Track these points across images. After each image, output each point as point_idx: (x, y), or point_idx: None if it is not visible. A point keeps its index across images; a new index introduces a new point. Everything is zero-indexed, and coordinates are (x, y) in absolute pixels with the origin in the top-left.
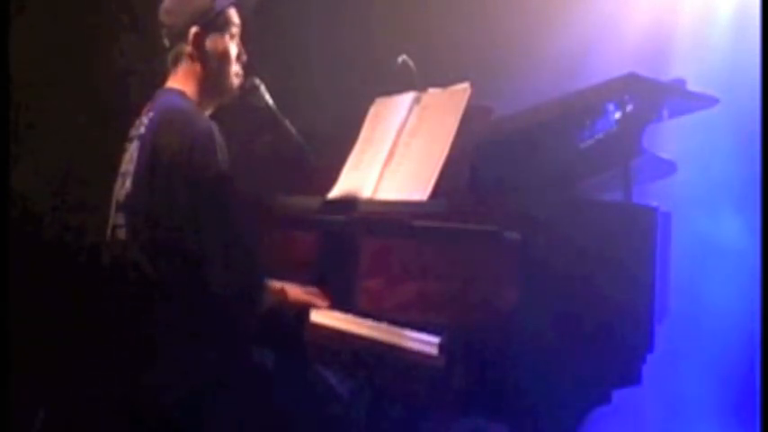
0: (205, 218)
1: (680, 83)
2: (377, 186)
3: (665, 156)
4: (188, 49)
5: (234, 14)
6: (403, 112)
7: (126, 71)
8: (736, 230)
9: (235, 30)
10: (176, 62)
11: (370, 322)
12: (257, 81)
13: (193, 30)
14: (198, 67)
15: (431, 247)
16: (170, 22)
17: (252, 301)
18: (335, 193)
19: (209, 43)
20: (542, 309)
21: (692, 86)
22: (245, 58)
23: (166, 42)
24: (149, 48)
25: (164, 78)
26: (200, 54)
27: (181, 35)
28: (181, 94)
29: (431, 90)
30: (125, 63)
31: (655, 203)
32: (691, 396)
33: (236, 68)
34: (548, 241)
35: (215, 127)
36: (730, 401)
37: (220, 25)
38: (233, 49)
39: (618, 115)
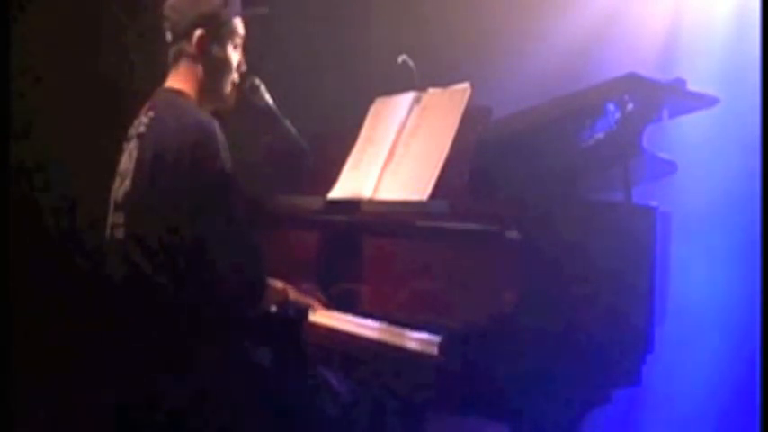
0: (208, 215)
1: (680, 83)
2: (377, 186)
3: (665, 156)
4: (191, 49)
5: (240, 25)
6: (403, 112)
7: (126, 70)
8: (735, 230)
9: (239, 40)
10: (177, 60)
11: (370, 322)
12: (257, 81)
13: (198, 32)
14: (199, 68)
15: (431, 247)
16: (175, 18)
17: (254, 299)
18: (335, 193)
19: (213, 49)
20: (542, 309)
21: (692, 86)
22: (244, 68)
23: (169, 37)
24: (149, 47)
25: (164, 76)
26: (203, 57)
27: (185, 34)
28: (180, 93)
29: (431, 90)
30: (125, 62)
31: (655, 203)
32: (691, 396)
33: (234, 77)
34: (548, 241)
35: (217, 125)
36: (730, 401)
37: (225, 34)
38: (234, 58)
39: (618, 115)
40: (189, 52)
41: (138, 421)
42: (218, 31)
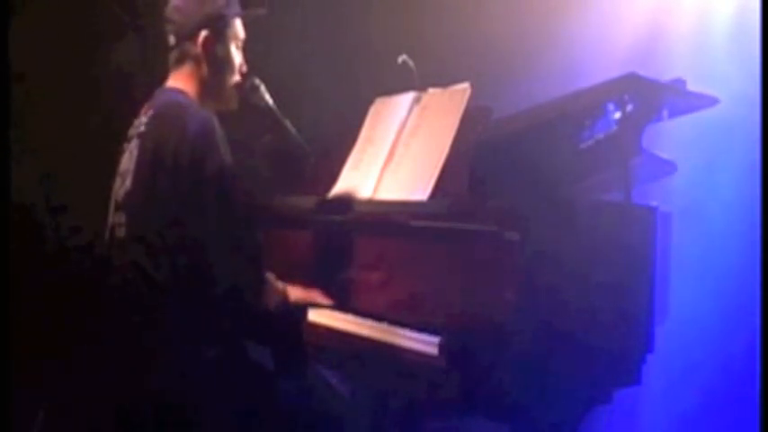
0: (208, 211)
1: (680, 83)
2: (377, 186)
3: (665, 156)
4: (195, 50)
5: (240, 26)
6: (403, 112)
7: (126, 71)
8: (735, 230)
9: (240, 42)
10: (180, 61)
11: (370, 322)
12: (257, 81)
13: (203, 33)
14: (202, 69)
15: (431, 247)
16: (179, 21)
17: (254, 298)
18: (335, 192)
19: (217, 50)
20: (542, 309)
21: (692, 86)
22: (245, 69)
23: (171, 39)
24: (150, 47)
25: (164, 78)
26: (207, 58)
27: (189, 35)
28: (181, 92)
29: (431, 90)
30: (125, 63)
31: (655, 203)
32: (691, 396)
33: (236, 78)
34: (547, 241)
35: (216, 121)
36: (730, 401)
37: (229, 34)
38: (237, 58)
39: (618, 115)
40: (193, 53)
41: (138, 421)
42: (222, 32)
